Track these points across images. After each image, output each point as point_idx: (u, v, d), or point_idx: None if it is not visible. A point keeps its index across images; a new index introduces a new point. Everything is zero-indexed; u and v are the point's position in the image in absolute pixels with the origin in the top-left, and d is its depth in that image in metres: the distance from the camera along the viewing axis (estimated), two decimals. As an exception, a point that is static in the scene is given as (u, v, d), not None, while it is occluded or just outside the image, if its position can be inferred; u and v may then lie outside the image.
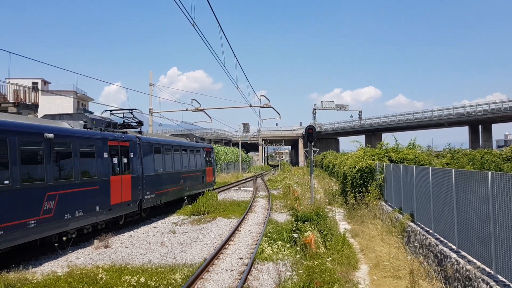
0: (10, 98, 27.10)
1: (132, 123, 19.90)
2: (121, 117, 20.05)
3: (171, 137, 26.33)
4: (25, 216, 10.99)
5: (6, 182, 10.43)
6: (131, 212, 17.32)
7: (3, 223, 10.25)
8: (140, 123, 20.19)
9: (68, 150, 13.22)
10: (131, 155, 17.30)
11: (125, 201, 16.43)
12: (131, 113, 20.30)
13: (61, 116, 15.25)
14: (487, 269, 7.19)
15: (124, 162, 16.67)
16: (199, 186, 26.71)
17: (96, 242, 13.72)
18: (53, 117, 15.12)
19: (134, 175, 17.33)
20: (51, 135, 12.23)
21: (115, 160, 15.93)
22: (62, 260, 11.89)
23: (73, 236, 13.38)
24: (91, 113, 17.40)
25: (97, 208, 14.41)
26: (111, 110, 20.53)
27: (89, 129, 15.00)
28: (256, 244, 13.35)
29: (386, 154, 19.57)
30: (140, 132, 19.93)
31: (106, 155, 15.26)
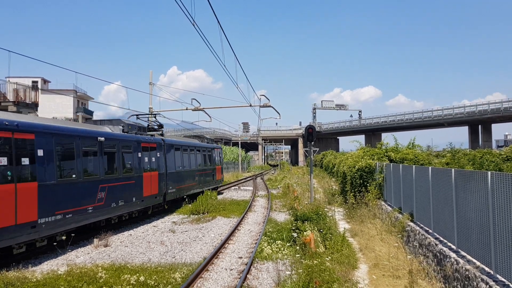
0: (10, 97, 27.10)
1: (154, 126, 22.53)
2: (146, 121, 22.79)
3: (185, 138, 28.98)
4: (86, 203, 13.89)
5: (74, 176, 13.41)
6: (157, 203, 20.09)
7: (73, 208, 13.06)
8: (161, 126, 22.85)
9: (114, 150, 16.10)
10: (158, 155, 20.09)
11: (153, 194, 19.38)
12: (155, 117, 23.36)
13: (101, 122, 18.01)
14: (486, 269, 7.20)
15: (152, 160, 19.44)
16: (210, 182, 29.68)
17: (95, 241, 13.73)
18: (95, 122, 18.61)
19: (160, 172, 20.12)
20: (102, 139, 15.17)
21: (146, 159, 18.74)
22: (62, 259, 11.90)
23: (73, 235, 13.40)
24: (92, 112, 18.18)
25: (134, 199, 17.31)
26: (137, 115, 23.06)
27: (126, 133, 17.78)
28: (255, 244, 13.36)
29: (385, 153, 19.58)
30: (162, 134, 22.30)
31: (139, 154, 18.17)
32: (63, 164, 13.11)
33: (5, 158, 10.61)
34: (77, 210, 13.28)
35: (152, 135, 20.48)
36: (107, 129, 16.87)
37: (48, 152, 12.20)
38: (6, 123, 10.81)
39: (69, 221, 12.89)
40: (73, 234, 13.23)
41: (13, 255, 11.22)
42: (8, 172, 10.63)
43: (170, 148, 21.90)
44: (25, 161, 11.24)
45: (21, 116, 12.43)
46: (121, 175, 16.34)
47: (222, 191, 33.14)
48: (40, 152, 11.82)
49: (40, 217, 11.60)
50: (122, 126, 17.74)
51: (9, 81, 29.38)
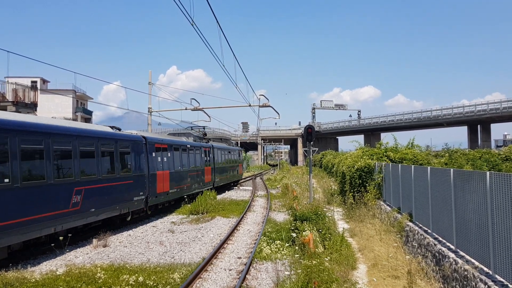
0: (9, 97, 27.08)
1: (202, 135, 31.84)
2: (197, 131, 32.87)
3: (220, 143, 38.66)
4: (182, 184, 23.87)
5: (178, 168, 23.07)
6: (209, 187, 28.67)
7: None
8: (205, 134, 33.14)
9: (191, 153, 25.70)
10: (210, 155, 30.06)
11: (208, 181, 28.94)
12: (204, 128, 34.67)
13: (179, 134, 28.70)
14: (485, 269, 7.20)
15: (208, 159, 29.21)
16: (236, 175, 40.31)
17: (94, 241, 13.72)
18: (174, 135, 28.36)
19: (211, 167, 30.03)
20: (189, 146, 25.45)
21: (205, 158, 28.45)
22: (61, 259, 11.89)
23: (69, 235, 13.36)
24: (91, 112, 17.73)
25: (201, 183, 27.21)
26: (192, 127, 33.65)
27: (195, 141, 27.68)
28: (254, 244, 13.36)
29: (385, 153, 19.58)
30: (208, 140, 32.00)
31: (203, 155, 28.07)
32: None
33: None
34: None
35: (207, 141, 31.54)
36: (184, 139, 26.20)
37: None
38: None
39: None
40: (70, 235, 13.17)
41: (13, 255, 11.19)
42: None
43: (217, 150, 32.73)
44: None
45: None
46: (195, 167, 26.20)
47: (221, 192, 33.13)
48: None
49: None
50: (193, 137, 28.54)
51: (8, 81, 29.34)
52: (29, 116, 13.56)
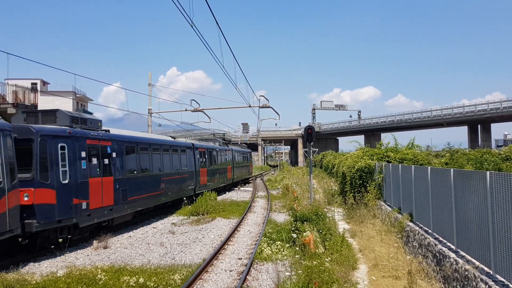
0: (9, 98, 27.07)
1: (223, 140, 41.58)
2: (219, 136, 42.57)
3: (235, 146, 46.87)
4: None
5: (212, 166, 29.86)
6: (230, 182, 36.94)
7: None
8: (224, 139, 42.12)
9: (219, 154, 32.40)
10: (230, 156, 37.34)
11: (229, 178, 36.29)
12: (224, 135, 45.48)
13: (207, 140, 36.46)
14: (485, 268, 7.19)
15: (229, 159, 36.71)
16: (248, 173, 48.00)
17: (95, 242, 13.71)
18: (203, 140, 35.70)
19: (231, 166, 37.12)
20: (218, 149, 31.93)
21: (227, 158, 35.86)
22: (61, 261, 11.88)
23: (69, 236, 13.36)
24: (91, 114, 18.05)
25: (225, 179, 34.28)
26: (213, 134, 39.83)
27: (220, 146, 34.75)
28: (255, 245, 13.36)
29: (385, 154, 19.57)
30: (227, 144, 41.01)
31: (226, 156, 35.43)
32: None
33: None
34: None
35: (228, 145, 40.84)
36: (212, 143, 33.31)
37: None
38: None
39: None
40: (69, 236, 13.17)
41: (13, 255, 11.19)
42: None
43: (236, 152, 40.32)
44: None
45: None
46: (221, 166, 33.07)
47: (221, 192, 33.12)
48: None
49: None
50: (219, 142, 35.90)
51: (8, 83, 29.34)
52: (141, 133, 22.52)
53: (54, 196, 12.38)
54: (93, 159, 14.25)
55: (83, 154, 13.73)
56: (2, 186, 10.54)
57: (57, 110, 14.69)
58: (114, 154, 15.68)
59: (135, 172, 17.44)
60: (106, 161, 15.14)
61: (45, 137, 12.42)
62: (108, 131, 16.09)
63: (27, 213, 11.62)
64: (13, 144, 11.35)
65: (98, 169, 14.47)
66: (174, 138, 25.72)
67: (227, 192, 33.49)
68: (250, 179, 49.60)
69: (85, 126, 14.85)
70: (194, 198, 23.48)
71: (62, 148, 12.90)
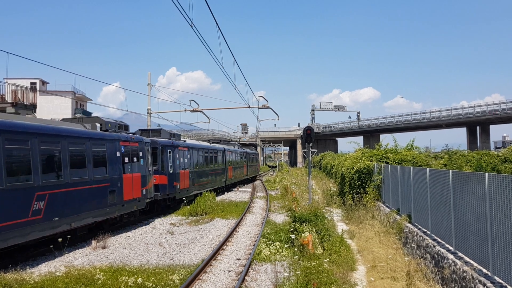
0: (8, 98, 27.08)
1: (240, 143, 56.83)
2: (236, 141, 59.34)
3: (246, 148, 55.33)
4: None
5: (235, 164, 39.85)
6: (245, 178, 44.95)
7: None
8: (240, 142, 60.19)
9: (239, 155, 42.11)
10: (245, 157, 44.71)
11: (245, 174, 44.60)
12: (239, 140, 68.24)
13: (229, 143, 47.20)
14: (484, 270, 7.21)
15: (245, 159, 45.33)
16: (256, 171, 57.29)
17: (93, 242, 13.70)
18: (227, 143, 45.29)
19: (246, 164, 44.99)
20: (238, 152, 42.71)
21: (243, 159, 44.59)
22: (60, 261, 11.87)
23: (68, 236, 13.38)
24: (90, 114, 18.22)
25: (242, 175, 42.99)
26: (231, 139, 57.13)
27: (239, 149, 43.68)
28: (254, 245, 13.35)
29: (384, 155, 19.59)
30: (242, 147, 48.60)
31: (242, 157, 43.86)
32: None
33: None
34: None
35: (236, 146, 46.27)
36: (232, 147, 40.49)
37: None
38: None
39: None
40: (68, 236, 13.18)
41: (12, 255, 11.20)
42: None
43: (247, 154, 48.47)
44: None
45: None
46: (243, 165, 42.72)
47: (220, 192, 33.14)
48: None
49: None
50: (237, 146, 43.31)
51: (7, 82, 29.32)
52: (202, 142, 33.08)
53: (167, 180, 21.55)
54: (181, 159, 23.67)
55: (177, 156, 23.14)
56: (150, 173, 19.40)
57: (161, 128, 24.95)
58: (189, 156, 25.30)
59: (200, 167, 27.86)
60: (186, 160, 24.72)
61: (163, 146, 21.68)
62: (185, 141, 26.93)
63: (155, 189, 20.27)
64: (150, 150, 19.76)
65: (183, 165, 24.04)
66: (210, 143, 36.37)
67: (225, 193, 33.49)
68: (257, 176, 58.33)
69: (177, 139, 24.60)
70: (225, 189, 35.14)
71: (169, 152, 22.16)
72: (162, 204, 21.77)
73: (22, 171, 11.31)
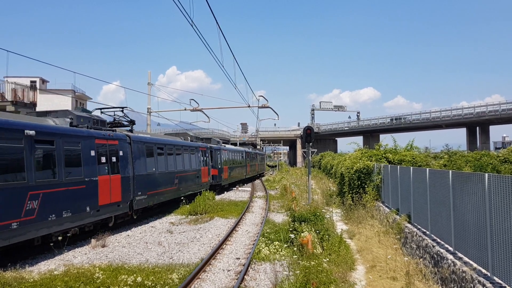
0: (8, 96, 27.04)
1: (252, 145, 74.53)
2: (250, 143, 76.26)
3: (255, 149, 63.30)
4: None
5: (253, 164, 53.40)
6: (257, 174, 56.15)
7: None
8: (252, 144, 74.61)
9: (252, 156, 51.27)
10: (260, 157, 60.92)
11: (257, 170, 56.02)
12: (252, 143, 78.83)
13: (245, 144, 67.25)
14: (483, 270, 7.21)
15: (255, 159, 54.56)
16: (264, 168, 66.46)
17: (93, 241, 13.70)
18: (244, 145, 61.12)
19: (257, 163, 55.27)
20: (252, 152, 51.62)
21: (255, 158, 54.47)
22: (59, 259, 11.87)
23: (68, 235, 13.36)
24: (90, 112, 17.36)
25: (255, 171, 52.79)
26: (245, 142, 74.21)
27: (252, 150, 53.94)
28: (253, 244, 13.36)
29: (383, 155, 19.59)
30: (253, 147, 63.36)
31: (255, 157, 54.11)
32: None
33: None
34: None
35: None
36: (246, 148, 52.83)
37: None
38: None
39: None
40: (68, 234, 13.18)
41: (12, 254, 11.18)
42: None
43: (259, 155, 59.11)
44: None
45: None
46: (255, 163, 55.62)
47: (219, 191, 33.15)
48: None
49: None
50: (251, 147, 57.98)
51: (7, 81, 29.29)
52: (240, 147, 48.37)
53: (217, 172, 32.23)
54: (223, 158, 34.34)
55: (222, 156, 33.79)
56: (208, 167, 28.89)
57: (211, 137, 37.16)
58: (227, 156, 35.87)
59: (232, 164, 37.54)
60: (225, 159, 35.15)
61: (215, 150, 32.16)
62: (225, 145, 37.10)
63: (212, 178, 30.81)
64: (208, 153, 29.39)
65: (221, 163, 33.23)
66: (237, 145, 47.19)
67: (225, 192, 33.49)
68: (265, 173, 69.43)
69: (219, 144, 34.97)
70: (245, 183, 43.71)
71: (218, 154, 32.80)
72: (217, 188, 32.04)
73: None
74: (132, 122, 19.95)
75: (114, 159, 16.06)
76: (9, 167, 10.97)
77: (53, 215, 12.27)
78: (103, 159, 15.34)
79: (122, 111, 20.37)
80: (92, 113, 17.39)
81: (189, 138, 28.79)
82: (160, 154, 20.85)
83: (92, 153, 14.65)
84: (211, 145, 31.92)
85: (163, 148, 21.51)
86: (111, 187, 15.73)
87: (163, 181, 20.88)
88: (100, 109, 20.75)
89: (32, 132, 11.56)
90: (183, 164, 24.11)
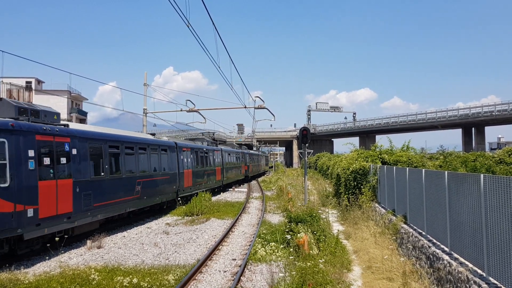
0: (3, 96, 26.96)
1: (258, 148, 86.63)
2: (257, 145, 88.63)
3: (255, 151, 69.19)
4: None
5: (256, 163, 62.88)
6: (262, 172, 67.99)
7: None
8: (256, 147, 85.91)
9: (256, 157, 61.10)
10: (264, 158, 73.46)
11: (261, 169, 64.31)
12: (259, 145, 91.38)
13: (252, 149, 74.83)
14: (479, 271, 7.23)
15: (259, 159, 64.36)
16: (263, 169, 70.70)
17: (88, 242, 13.65)
18: (250, 148, 73.15)
19: (260, 163, 64.51)
20: (255, 154, 60.25)
21: (259, 159, 64.10)
22: (55, 261, 11.82)
23: (66, 236, 13.31)
24: (86, 113, 17.28)
25: (259, 170, 63.63)
26: (252, 144, 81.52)
27: (255, 151, 67.78)
28: (249, 245, 13.35)
29: (379, 156, 19.63)
30: (256, 150, 77.46)
31: (258, 157, 63.60)
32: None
33: None
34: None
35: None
36: (251, 150, 59.39)
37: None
38: None
39: None
40: (65, 236, 13.13)
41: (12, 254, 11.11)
42: None
43: (257, 156, 62.46)
44: None
45: None
46: (258, 163, 62.28)
47: (216, 193, 33.09)
48: None
49: None
50: (257, 150, 74.78)
51: (2, 81, 29.20)
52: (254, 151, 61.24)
53: (247, 168, 49.11)
54: (248, 158, 50.31)
55: (249, 156, 51.24)
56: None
57: (225, 141, 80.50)
58: (248, 157, 49.09)
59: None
60: (248, 158, 48.27)
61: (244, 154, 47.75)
62: (245, 147, 53.83)
63: (245, 172, 48.12)
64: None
65: (250, 161, 49.46)
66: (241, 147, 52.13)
67: (221, 193, 33.46)
68: (266, 172, 75.49)
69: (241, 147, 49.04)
70: (243, 180, 46.52)
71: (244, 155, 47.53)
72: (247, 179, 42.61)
73: None
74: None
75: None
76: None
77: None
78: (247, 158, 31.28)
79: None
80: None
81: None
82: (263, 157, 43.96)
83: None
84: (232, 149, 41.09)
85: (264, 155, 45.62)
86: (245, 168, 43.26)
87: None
88: (240, 144, 45.39)
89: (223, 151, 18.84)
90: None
